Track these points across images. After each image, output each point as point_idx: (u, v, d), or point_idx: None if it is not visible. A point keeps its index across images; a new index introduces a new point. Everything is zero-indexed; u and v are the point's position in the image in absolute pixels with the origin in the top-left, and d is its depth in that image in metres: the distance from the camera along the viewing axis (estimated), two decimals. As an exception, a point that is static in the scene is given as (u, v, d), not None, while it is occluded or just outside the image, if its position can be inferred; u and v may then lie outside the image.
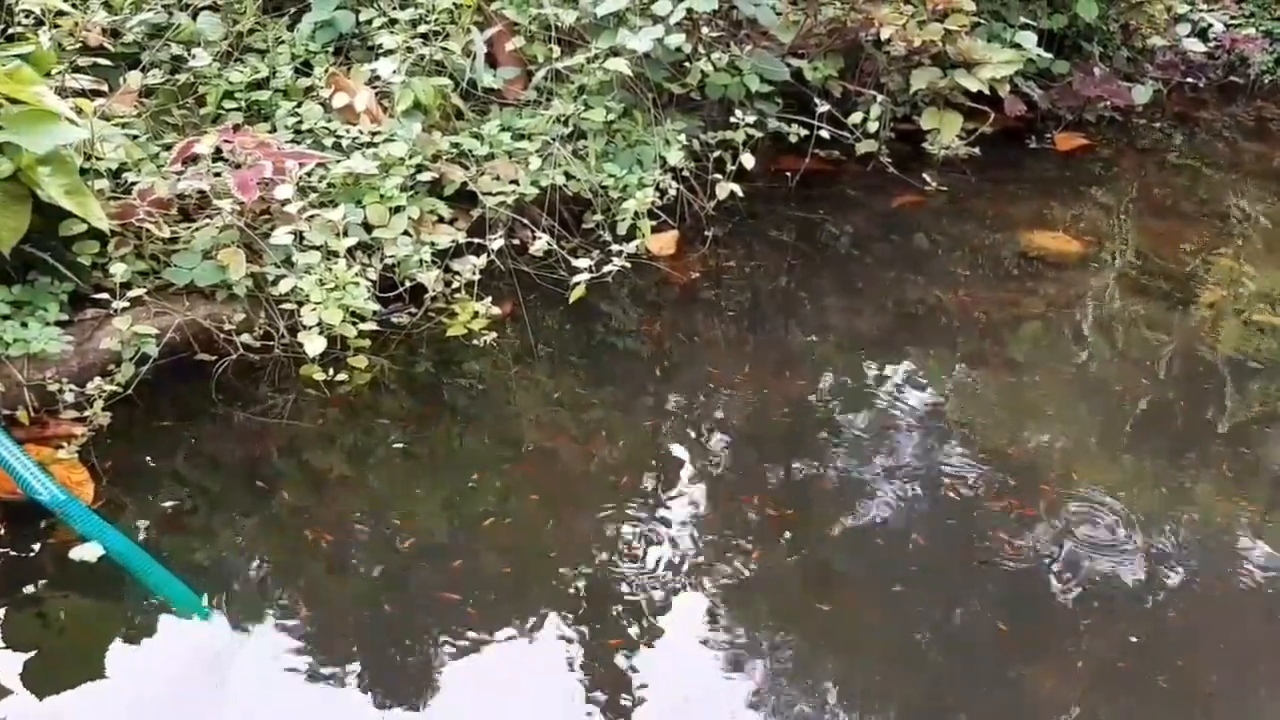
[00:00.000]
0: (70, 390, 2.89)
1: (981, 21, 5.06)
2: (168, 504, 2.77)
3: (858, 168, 4.95)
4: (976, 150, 5.16)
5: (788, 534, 2.76)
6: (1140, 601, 2.62)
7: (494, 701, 2.30)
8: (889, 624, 2.54)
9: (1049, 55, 5.34)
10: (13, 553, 2.57)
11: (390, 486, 2.92)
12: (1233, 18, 6.73)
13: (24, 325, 2.91)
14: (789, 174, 4.78)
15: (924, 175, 4.96)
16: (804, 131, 4.63)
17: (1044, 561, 2.71)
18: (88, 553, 2.47)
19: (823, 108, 4.61)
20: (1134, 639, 2.49)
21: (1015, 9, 5.32)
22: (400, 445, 3.05)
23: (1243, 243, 4.75)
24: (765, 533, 2.78)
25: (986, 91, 4.94)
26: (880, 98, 4.87)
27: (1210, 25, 6.53)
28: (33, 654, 2.33)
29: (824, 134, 4.62)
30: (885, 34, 4.69)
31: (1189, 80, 6.60)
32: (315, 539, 2.69)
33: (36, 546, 2.59)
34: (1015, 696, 2.36)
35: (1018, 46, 5.02)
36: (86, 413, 2.87)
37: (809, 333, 3.86)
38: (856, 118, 4.80)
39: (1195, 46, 6.21)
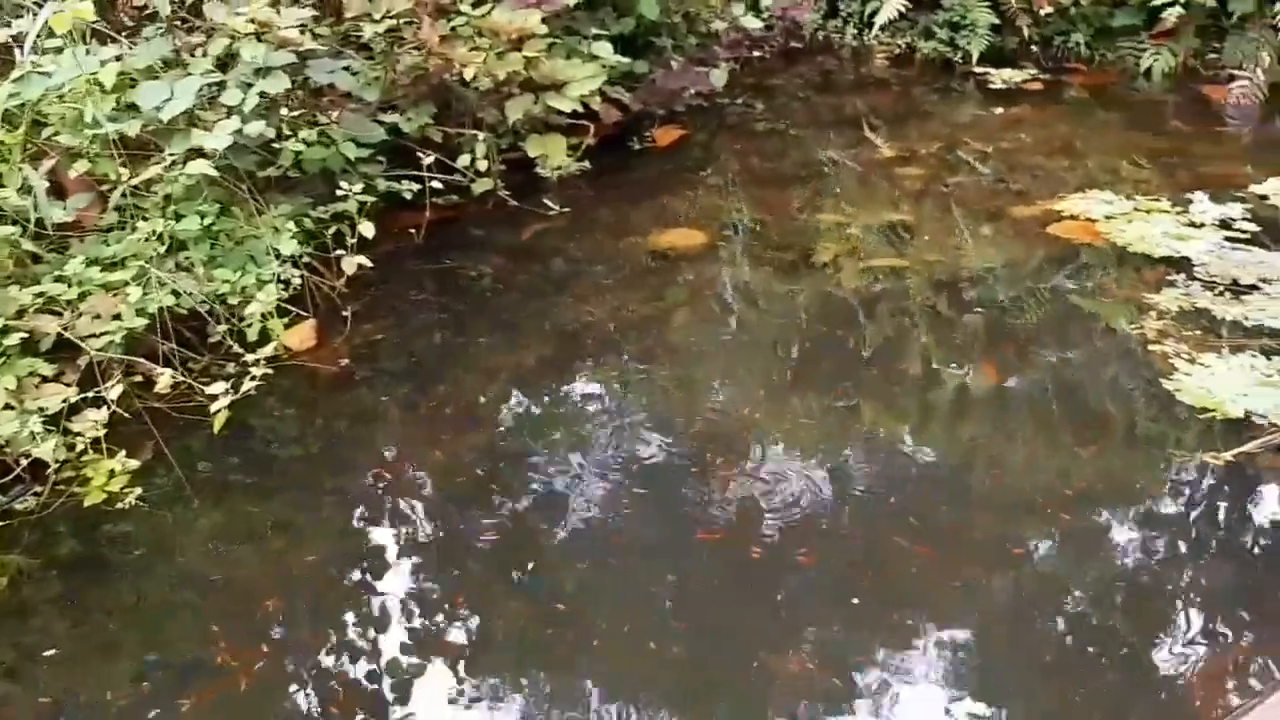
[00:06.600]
0: None
1: (557, 40, 5.15)
2: None
3: (479, 208, 4.92)
4: (587, 164, 5.27)
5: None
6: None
7: None
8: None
9: (627, 60, 5.52)
10: None
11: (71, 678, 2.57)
12: (777, -12, 7.32)
13: None
14: (413, 230, 4.67)
15: (544, 200, 5.01)
16: (417, 186, 4.53)
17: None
18: None
19: (428, 158, 4.54)
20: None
21: (585, 21, 5.46)
22: (74, 633, 2.72)
23: (840, 190, 5.17)
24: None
25: (580, 108, 5.04)
26: (482, 135, 4.86)
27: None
28: None
29: (436, 184, 4.55)
30: (469, 74, 4.67)
31: (756, 54, 7.15)
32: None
33: None
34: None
35: (596, 58, 5.15)
36: None
37: (481, 378, 3.78)
38: (464, 159, 4.76)
39: (753, 23, 6.66)
